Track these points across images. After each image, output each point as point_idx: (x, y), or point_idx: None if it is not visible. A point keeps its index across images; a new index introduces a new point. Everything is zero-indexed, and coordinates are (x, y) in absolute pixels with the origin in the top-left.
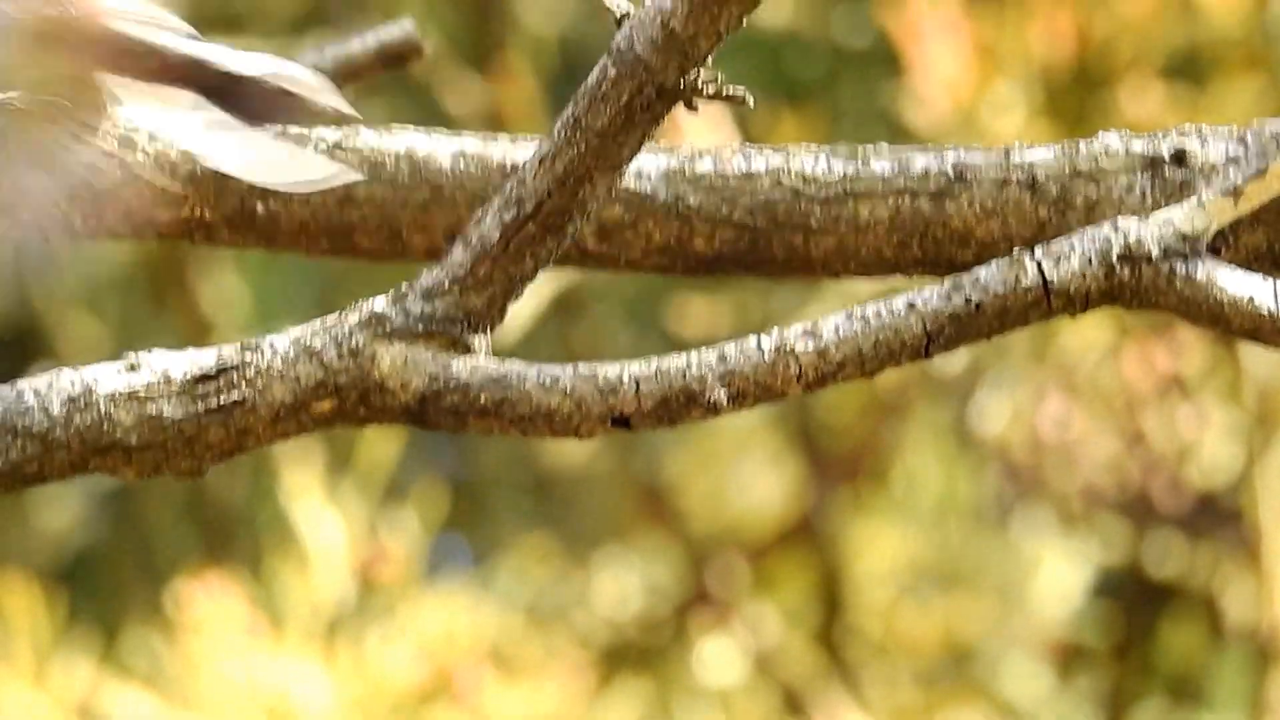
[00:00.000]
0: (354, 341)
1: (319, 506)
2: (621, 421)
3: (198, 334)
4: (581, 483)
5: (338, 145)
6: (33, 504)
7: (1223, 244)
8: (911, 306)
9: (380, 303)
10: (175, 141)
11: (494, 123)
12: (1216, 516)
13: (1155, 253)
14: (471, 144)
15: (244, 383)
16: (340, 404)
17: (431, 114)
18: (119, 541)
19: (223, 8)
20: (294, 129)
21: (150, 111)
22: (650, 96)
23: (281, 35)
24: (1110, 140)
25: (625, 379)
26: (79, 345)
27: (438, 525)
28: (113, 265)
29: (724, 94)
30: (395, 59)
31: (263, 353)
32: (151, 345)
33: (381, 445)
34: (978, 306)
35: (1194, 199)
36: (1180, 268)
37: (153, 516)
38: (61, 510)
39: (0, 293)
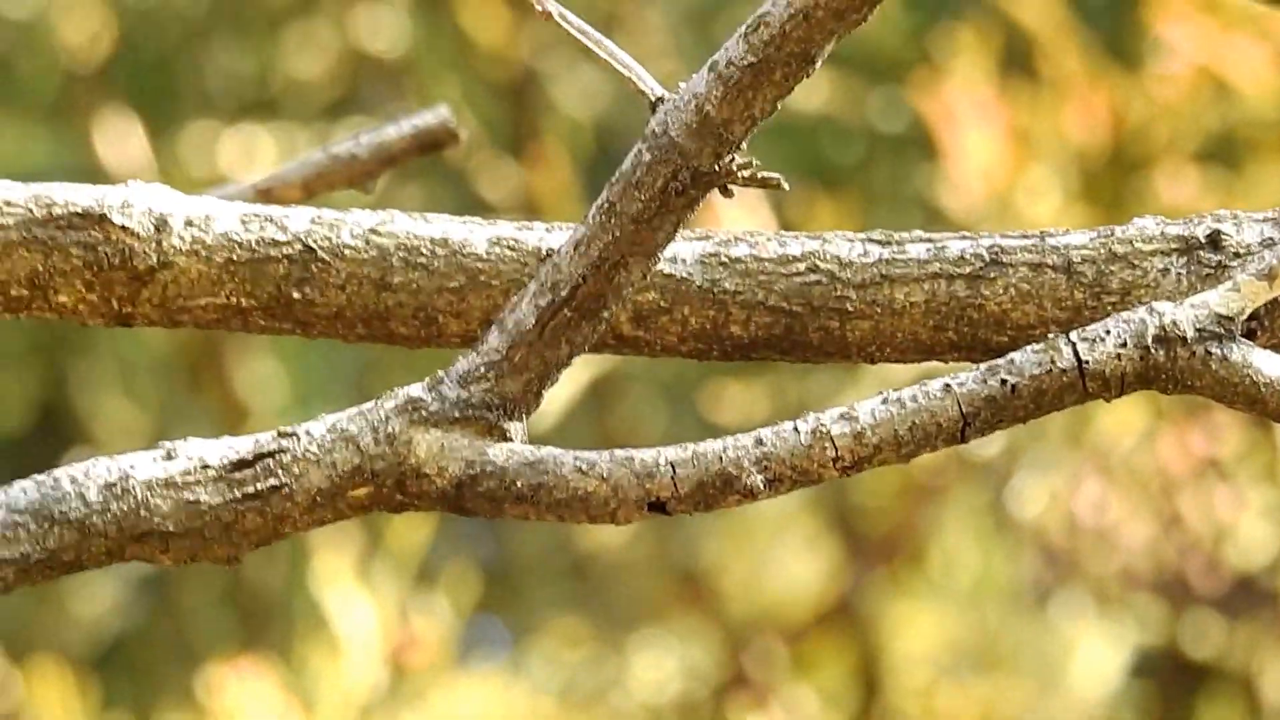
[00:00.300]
0: (390, 427)
1: (351, 592)
2: (658, 506)
3: (234, 419)
4: (618, 566)
5: (374, 230)
6: (69, 589)
7: (1259, 328)
8: (947, 389)
9: (417, 389)
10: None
11: (530, 208)
12: (1254, 597)
13: (1190, 335)
14: (507, 230)
15: (281, 469)
16: (377, 490)
17: (467, 199)
18: (153, 627)
19: (260, 93)
20: (329, 212)
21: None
22: (685, 181)
23: (318, 121)
24: (1146, 224)
25: (662, 464)
26: (116, 431)
27: (470, 609)
28: (149, 351)
29: (759, 179)
30: (431, 145)
31: (299, 439)
32: (188, 431)
33: (413, 529)
34: (1013, 389)
35: (1229, 281)
36: (1216, 350)
37: (187, 602)
38: (97, 596)
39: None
